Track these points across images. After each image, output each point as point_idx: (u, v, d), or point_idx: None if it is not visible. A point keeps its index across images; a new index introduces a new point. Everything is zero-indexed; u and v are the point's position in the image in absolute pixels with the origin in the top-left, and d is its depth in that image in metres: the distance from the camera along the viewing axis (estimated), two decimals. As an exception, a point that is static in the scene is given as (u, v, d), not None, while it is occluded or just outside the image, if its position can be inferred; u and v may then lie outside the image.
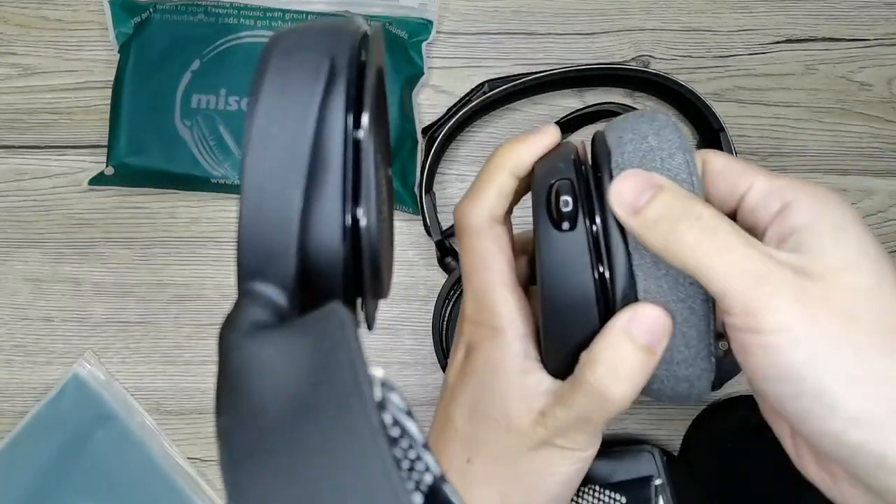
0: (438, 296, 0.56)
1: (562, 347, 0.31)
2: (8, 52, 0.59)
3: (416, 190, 0.57)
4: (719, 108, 0.58)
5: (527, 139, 0.33)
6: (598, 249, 0.30)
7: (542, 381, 0.32)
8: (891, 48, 0.60)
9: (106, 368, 0.57)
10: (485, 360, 0.33)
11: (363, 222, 0.23)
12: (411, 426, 0.20)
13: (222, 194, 0.58)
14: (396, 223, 0.59)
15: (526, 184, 0.33)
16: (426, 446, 0.21)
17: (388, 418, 0.20)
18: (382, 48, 0.28)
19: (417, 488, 0.20)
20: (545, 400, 0.32)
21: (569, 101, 0.60)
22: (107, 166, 0.57)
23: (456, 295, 0.55)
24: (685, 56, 0.60)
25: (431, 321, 0.56)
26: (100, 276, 0.58)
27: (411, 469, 0.20)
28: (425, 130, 0.58)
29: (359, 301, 0.26)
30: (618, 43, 0.60)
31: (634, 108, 0.58)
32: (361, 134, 0.24)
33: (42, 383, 0.57)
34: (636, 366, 0.29)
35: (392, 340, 0.58)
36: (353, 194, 0.23)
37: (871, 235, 0.28)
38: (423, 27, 0.58)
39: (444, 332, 0.55)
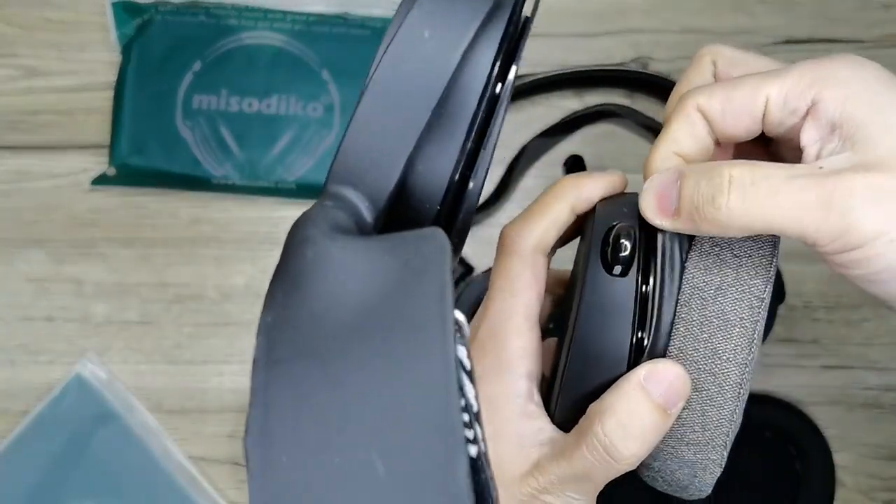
0: (438, 296, 0.56)
1: (578, 396, 0.29)
2: (11, 54, 0.60)
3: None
4: (718, 109, 0.58)
5: (593, 176, 0.31)
6: (645, 301, 0.28)
7: (544, 429, 0.29)
8: (889, 50, 0.60)
9: (108, 368, 0.57)
10: (487, 397, 0.30)
11: (470, 185, 0.22)
12: (470, 391, 0.19)
13: (223, 194, 0.58)
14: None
15: (578, 226, 0.31)
16: (478, 417, 0.19)
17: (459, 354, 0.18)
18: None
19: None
20: (543, 450, 0.29)
21: (568, 103, 0.60)
22: (109, 167, 0.57)
23: (456, 295, 0.55)
24: (684, 57, 0.60)
25: (431, 321, 0.56)
26: (102, 276, 0.58)
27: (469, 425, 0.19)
28: (425, 131, 0.58)
29: None
30: (617, 44, 0.60)
31: (634, 110, 0.58)
32: (501, 87, 0.22)
33: (44, 383, 0.57)
34: (649, 424, 0.27)
35: (392, 340, 0.58)
36: (472, 151, 0.22)
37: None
38: (423, 28, 0.58)
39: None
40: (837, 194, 0.24)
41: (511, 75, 0.22)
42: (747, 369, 0.28)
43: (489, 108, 0.22)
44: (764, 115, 0.28)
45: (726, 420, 0.28)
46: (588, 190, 0.30)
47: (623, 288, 0.28)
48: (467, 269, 0.56)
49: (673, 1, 0.60)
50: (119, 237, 0.58)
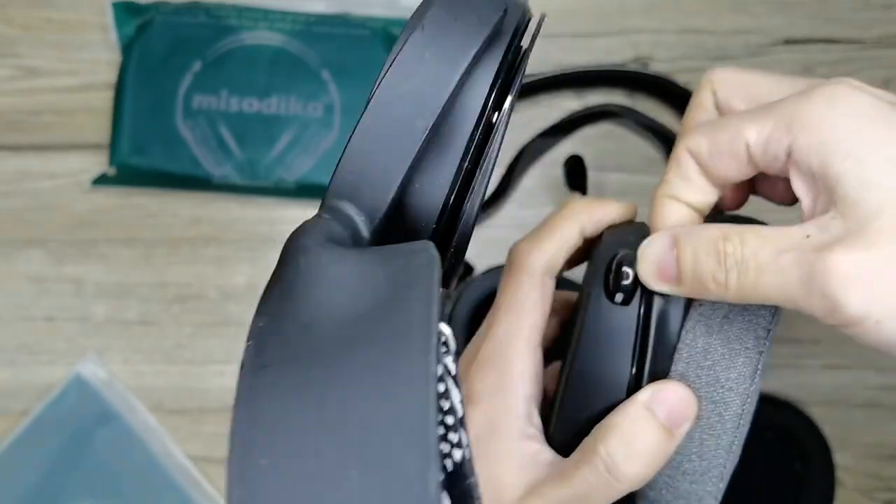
0: (439, 296, 0.56)
1: (577, 421, 0.28)
2: (11, 54, 0.60)
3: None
4: (718, 109, 0.58)
5: (604, 201, 0.31)
6: (648, 329, 0.28)
7: (543, 451, 0.29)
8: (888, 50, 0.60)
9: (108, 368, 0.57)
10: (487, 416, 0.30)
11: (466, 206, 0.22)
12: (456, 395, 0.19)
13: (224, 195, 0.58)
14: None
15: (586, 250, 0.31)
16: (462, 422, 0.19)
17: (438, 369, 0.19)
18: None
19: (442, 461, 0.19)
20: (542, 473, 0.28)
21: (568, 103, 0.60)
22: (109, 167, 0.57)
23: (456, 295, 0.55)
24: (684, 57, 0.60)
25: (432, 321, 0.56)
26: (102, 276, 0.58)
27: (444, 437, 0.19)
28: (426, 131, 0.58)
29: None
30: (617, 44, 0.60)
31: (634, 110, 0.58)
32: (497, 115, 0.22)
33: (44, 383, 0.57)
34: (653, 445, 0.27)
35: (392, 340, 0.58)
36: (469, 172, 0.22)
37: (883, 128, 0.23)
38: (423, 28, 0.58)
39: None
40: (818, 276, 0.23)
41: (507, 104, 0.23)
42: (749, 400, 0.27)
43: (486, 133, 0.22)
44: (748, 155, 0.27)
45: (724, 451, 0.27)
46: (599, 214, 0.30)
47: (625, 316, 0.28)
48: (467, 269, 0.56)
49: (673, 1, 0.60)
50: (119, 237, 0.58)
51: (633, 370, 0.28)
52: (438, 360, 0.18)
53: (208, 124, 0.57)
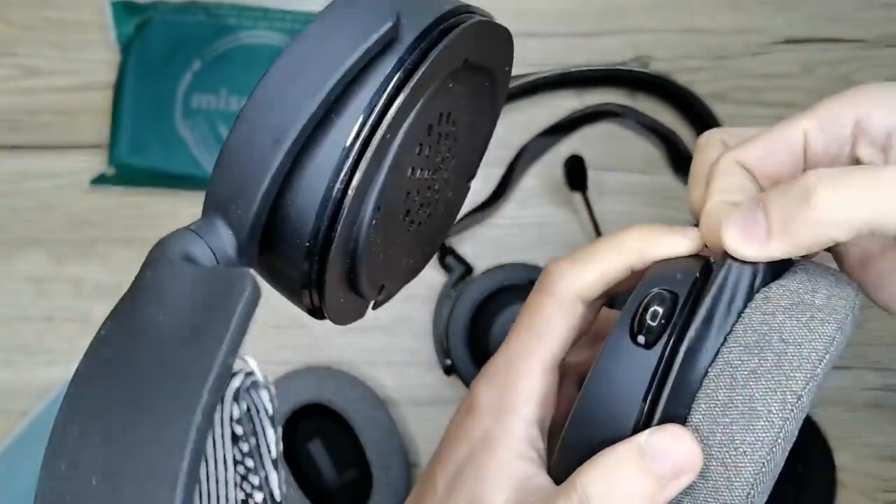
0: (439, 296, 0.56)
1: (576, 454, 0.27)
2: (10, 53, 0.60)
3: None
4: (719, 109, 0.58)
5: (663, 235, 0.28)
6: (667, 373, 0.26)
7: (537, 476, 0.28)
8: (889, 49, 0.60)
9: (107, 368, 0.57)
10: (485, 431, 0.29)
11: (343, 212, 0.21)
12: (269, 434, 0.19)
13: (223, 194, 0.58)
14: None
15: (634, 283, 0.29)
16: (275, 463, 0.19)
17: (235, 411, 0.19)
18: (494, 46, 0.24)
19: (245, 501, 0.19)
20: (530, 497, 0.27)
21: (569, 102, 0.60)
22: (108, 166, 0.57)
23: (457, 295, 0.55)
24: (685, 57, 0.60)
25: (432, 321, 0.56)
26: (101, 276, 0.58)
27: (245, 478, 0.19)
28: (425, 131, 0.58)
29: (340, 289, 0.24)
30: (617, 44, 0.60)
31: (634, 110, 0.58)
32: (382, 125, 0.21)
33: (44, 383, 0.57)
34: (636, 492, 0.25)
35: (392, 340, 0.58)
36: (347, 178, 0.21)
37: None
38: (423, 28, 0.58)
39: (444, 332, 0.55)
40: None
41: (385, 122, 0.21)
42: (764, 469, 0.25)
43: (363, 150, 0.21)
44: (805, 149, 0.27)
45: None
46: (653, 253, 0.28)
47: (643, 360, 0.26)
48: (467, 269, 0.56)
49: (673, 1, 0.60)
50: (119, 237, 0.58)
51: (644, 412, 0.26)
52: (237, 397, 0.19)
53: (207, 124, 0.56)
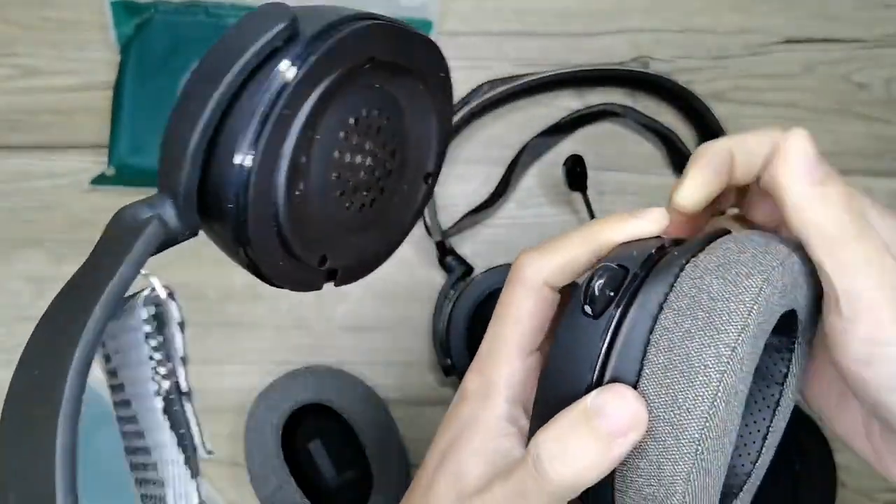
0: (438, 296, 0.56)
1: (539, 426, 0.28)
2: (10, 53, 0.60)
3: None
4: (719, 109, 0.58)
5: (625, 219, 0.30)
6: (611, 348, 0.27)
7: (516, 448, 0.29)
8: (889, 49, 0.60)
9: (107, 368, 0.57)
10: (470, 412, 0.31)
11: (252, 178, 0.25)
12: (177, 336, 0.24)
13: (223, 194, 0.58)
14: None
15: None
16: (182, 360, 0.24)
17: (143, 313, 0.24)
18: (398, 46, 0.29)
19: (157, 392, 0.24)
20: (505, 469, 0.28)
21: (569, 102, 0.60)
22: (108, 166, 0.57)
23: (456, 295, 0.55)
24: (685, 57, 0.60)
25: (431, 321, 0.56)
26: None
27: (155, 370, 0.24)
28: (425, 131, 0.58)
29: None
30: (617, 43, 0.60)
31: (635, 109, 0.58)
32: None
33: (43, 383, 0.57)
34: (586, 452, 0.25)
35: (392, 340, 0.58)
36: (252, 148, 0.25)
37: None
38: (423, 27, 0.58)
39: (444, 332, 0.55)
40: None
41: (282, 100, 0.25)
42: (708, 424, 0.25)
43: (263, 123, 0.25)
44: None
45: (682, 479, 0.25)
46: (616, 237, 0.30)
47: (592, 329, 0.27)
48: (467, 269, 0.56)
49: (673, 1, 0.60)
50: (118, 237, 0.58)
51: (595, 379, 0.26)
52: (143, 304, 0.24)
53: (208, 124, 0.56)
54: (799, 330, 0.30)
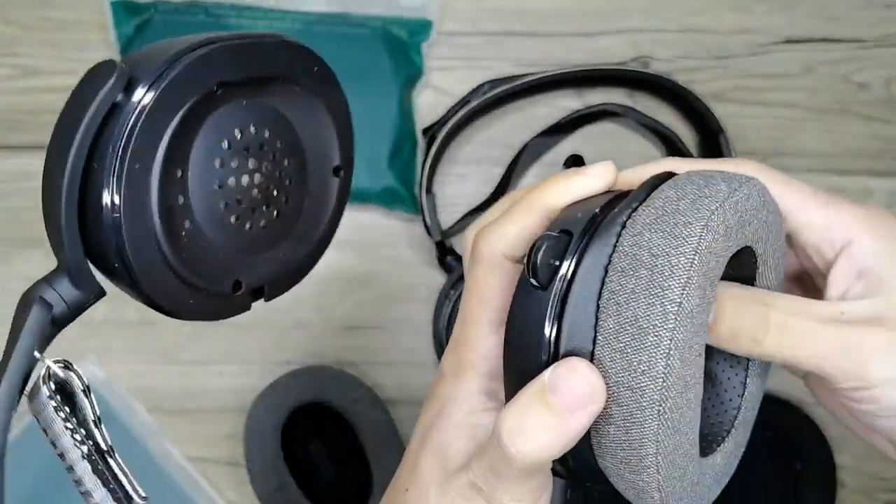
0: (438, 296, 0.56)
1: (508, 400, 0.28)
2: (10, 53, 0.60)
3: (417, 190, 0.57)
4: (719, 109, 0.58)
5: (569, 178, 0.29)
6: (561, 319, 0.26)
7: (493, 423, 0.29)
8: (890, 49, 0.60)
9: (107, 368, 0.57)
10: (448, 391, 0.31)
11: (123, 228, 0.25)
12: (84, 401, 0.26)
13: (223, 194, 0.58)
14: (396, 223, 0.59)
15: None
16: (95, 422, 0.26)
17: (45, 391, 0.26)
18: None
19: (83, 457, 0.26)
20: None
21: (569, 102, 0.60)
22: (108, 166, 0.57)
23: (456, 295, 0.55)
24: (685, 57, 0.60)
25: (432, 321, 0.56)
26: (100, 276, 0.58)
27: (73, 436, 0.26)
28: (425, 131, 0.58)
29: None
30: (617, 43, 0.60)
31: (634, 109, 0.58)
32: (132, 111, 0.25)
33: (43, 383, 0.57)
34: (543, 426, 0.26)
35: (392, 340, 0.58)
36: (116, 200, 0.25)
37: None
38: (423, 27, 0.58)
39: (444, 332, 0.55)
40: (856, 346, 0.28)
41: (129, 150, 0.25)
42: (666, 383, 0.25)
43: (119, 176, 0.25)
44: (795, 232, 0.30)
45: (650, 441, 0.25)
46: (562, 200, 0.29)
47: (541, 301, 0.26)
48: (467, 268, 0.56)
49: (673, 1, 0.60)
50: (118, 237, 0.58)
51: (551, 353, 0.26)
52: (42, 382, 0.26)
53: (207, 124, 0.56)
54: (759, 264, 0.29)
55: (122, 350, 0.58)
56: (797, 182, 0.30)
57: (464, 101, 0.57)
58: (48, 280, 0.26)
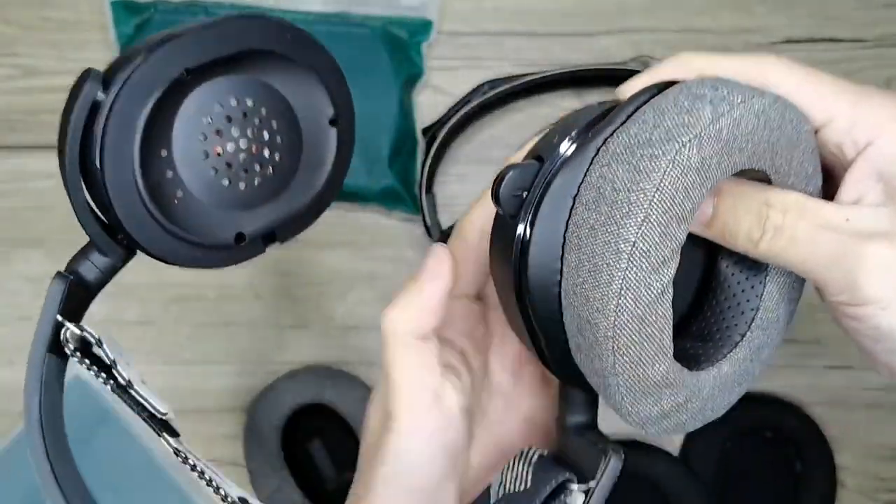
0: (438, 296, 0.56)
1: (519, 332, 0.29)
2: (10, 53, 0.60)
3: (417, 190, 0.57)
4: (719, 109, 0.58)
5: (455, 254, 0.32)
6: (526, 250, 0.27)
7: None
8: (890, 49, 0.60)
9: (107, 368, 0.57)
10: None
11: (107, 184, 0.29)
12: (100, 353, 0.30)
13: (223, 194, 0.58)
14: (396, 223, 0.59)
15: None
16: (113, 365, 0.30)
17: (71, 344, 0.31)
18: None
19: (113, 391, 0.31)
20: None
21: (568, 102, 0.60)
22: (108, 166, 0.57)
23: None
24: (685, 56, 0.60)
25: (431, 321, 0.56)
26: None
27: (103, 382, 0.31)
28: (425, 131, 0.58)
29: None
30: (617, 43, 0.60)
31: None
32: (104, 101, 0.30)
33: (43, 383, 0.57)
34: (405, 290, 0.30)
35: (392, 340, 0.58)
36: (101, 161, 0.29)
37: None
38: (423, 27, 0.58)
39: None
40: (850, 258, 0.25)
41: (111, 122, 0.29)
42: (619, 321, 0.25)
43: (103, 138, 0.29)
44: (821, 127, 0.27)
45: (610, 373, 0.26)
46: (453, 273, 0.31)
47: (511, 231, 0.27)
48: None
49: (673, 1, 0.60)
50: (118, 237, 0.58)
51: (519, 281, 0.27)
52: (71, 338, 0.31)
53: (207, 124, 0.56)
54: (772, 178, 0.27)
55: (123, 350, 0.58)
56: (823, 75, 0.28)
57: (464, 101, 0.57)
58: (83, 251, 0.31)
